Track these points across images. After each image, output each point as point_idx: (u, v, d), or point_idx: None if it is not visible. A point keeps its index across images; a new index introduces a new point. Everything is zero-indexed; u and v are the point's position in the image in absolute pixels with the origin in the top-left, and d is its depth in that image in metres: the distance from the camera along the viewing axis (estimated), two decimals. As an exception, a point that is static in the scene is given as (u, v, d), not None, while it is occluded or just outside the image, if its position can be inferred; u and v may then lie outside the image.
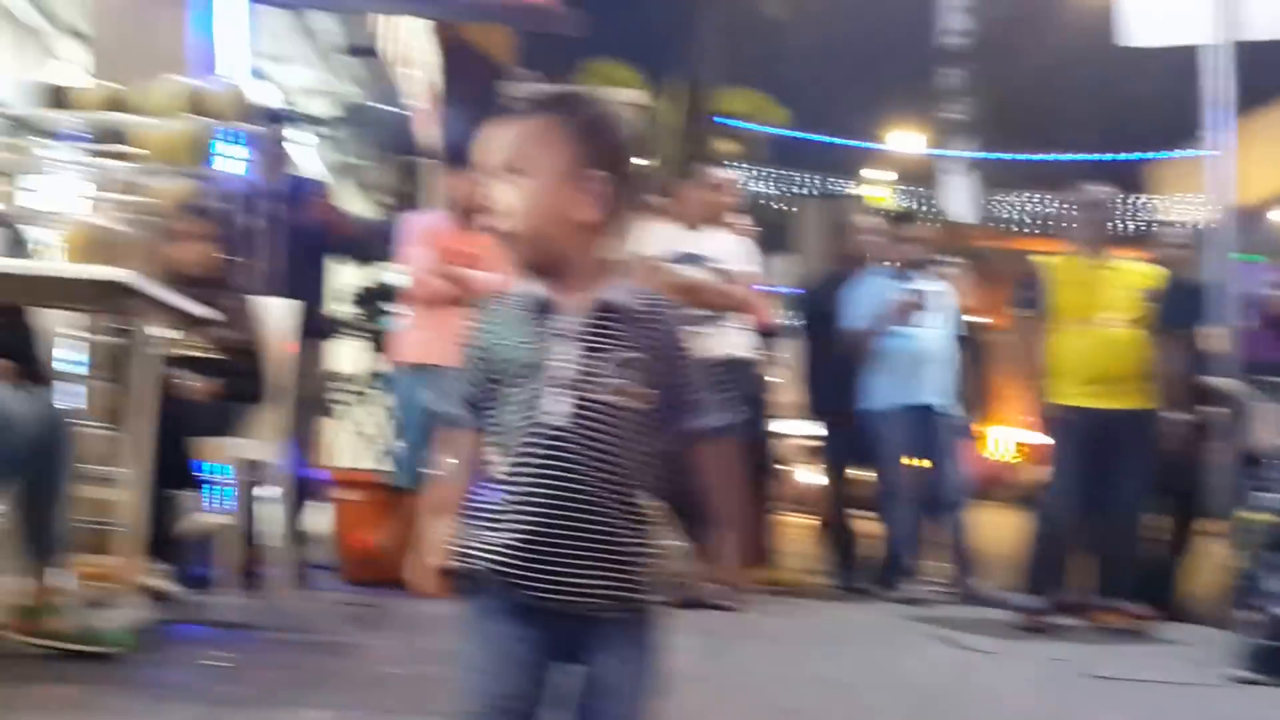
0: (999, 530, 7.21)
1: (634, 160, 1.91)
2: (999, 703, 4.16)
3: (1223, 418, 6.00)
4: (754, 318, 6.35)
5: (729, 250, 6.22)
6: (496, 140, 1.88)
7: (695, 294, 5.83)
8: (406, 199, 12.82)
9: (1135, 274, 6.01)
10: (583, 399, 1.82)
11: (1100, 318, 5.79)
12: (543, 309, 1.87)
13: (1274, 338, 5.99)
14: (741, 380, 5.92)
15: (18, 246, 3.94)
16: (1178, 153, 8.19)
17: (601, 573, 1.81)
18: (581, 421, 1.82)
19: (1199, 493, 5.87)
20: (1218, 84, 5.86)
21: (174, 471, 4.05)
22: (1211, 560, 5.82)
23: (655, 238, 5.78)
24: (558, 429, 1.82)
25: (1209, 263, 6.36)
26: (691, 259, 5.97)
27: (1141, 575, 5.92)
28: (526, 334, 1.86)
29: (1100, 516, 5.80)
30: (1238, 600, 4.64)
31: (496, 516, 1.84)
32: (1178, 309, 5.94)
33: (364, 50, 10.38)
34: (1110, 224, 6.13)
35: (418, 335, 5.86)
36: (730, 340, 6.00)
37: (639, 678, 1.86)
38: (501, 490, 1.84)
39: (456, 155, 6.38)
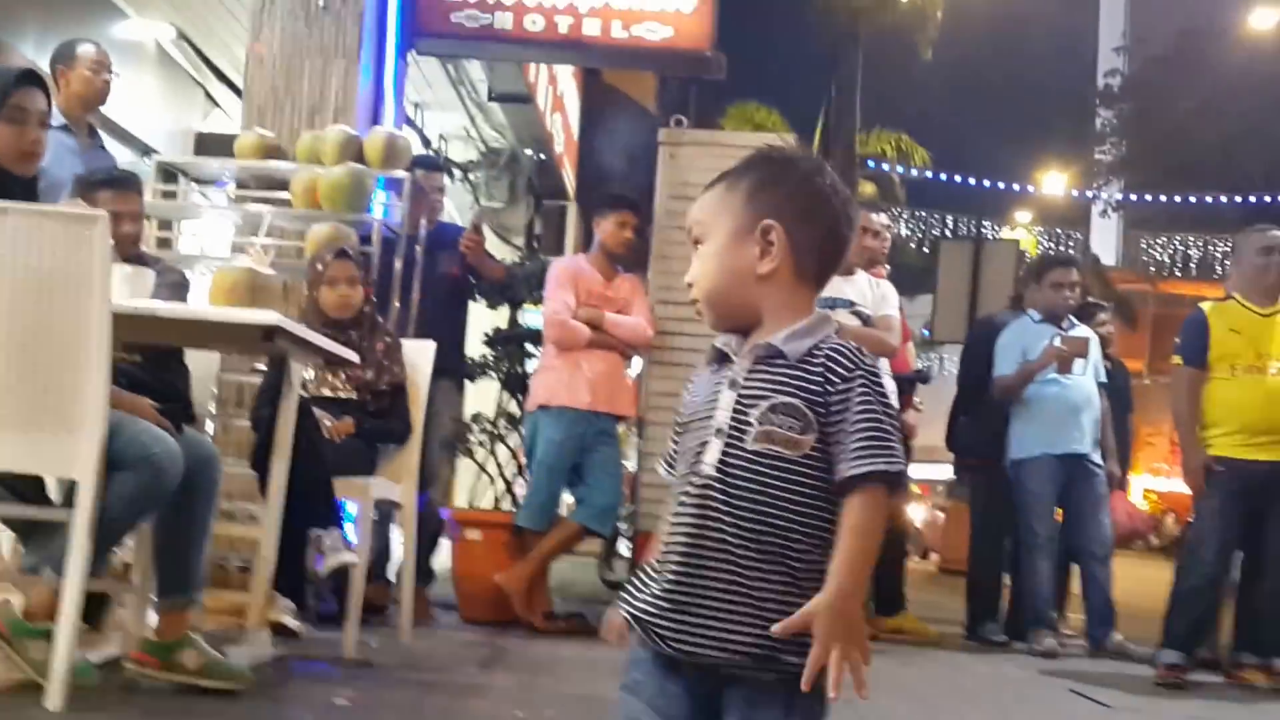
0: (1134, 582, 7.01)
1: (825, 205, 1.88)
2: None
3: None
4: (893, 362, 6.28)
5: (871, 294, 6.19)
6: (694, 211, 1.93)
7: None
8: (546, 243, 13.00)
9: None
10: (731, 447, 1.80)
11: (1268, 366, 5.59)
12: (721, 359, 1.89)
13: None
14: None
15: (178, 290, 4.08)
16: None
17: (742, 629, 1.76)
18: (729, 471, 1.79)
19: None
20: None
21: (311, 510, 4.13)
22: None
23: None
24: (706, 478, 1.81)
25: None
26: (835, 303, 5.93)
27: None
28: (704, 385, 1.89)
29: (1252, 570, 5.64)
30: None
31: (654, 567, 1.85)
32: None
33: (510, 96, 10.56)
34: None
35: (553, 378, 5.92)
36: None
37: None
38: (664, 542, 1.85)
39: (600, 199, 6.47)
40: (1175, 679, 5.45)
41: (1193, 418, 5.70)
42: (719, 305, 1.89)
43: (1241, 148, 27.00)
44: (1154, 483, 29.28)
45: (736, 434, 1.80)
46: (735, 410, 1.81)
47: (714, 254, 1.88)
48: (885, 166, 24.41)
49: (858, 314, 6.05)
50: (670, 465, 1.92)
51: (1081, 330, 6.70)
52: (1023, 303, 7.39)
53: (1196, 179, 28.02)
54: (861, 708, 3.90)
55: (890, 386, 5.95)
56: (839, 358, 1.80)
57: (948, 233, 30.19)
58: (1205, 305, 5.94)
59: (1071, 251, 26.40)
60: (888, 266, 6.89)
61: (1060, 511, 6.60)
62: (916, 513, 8.74)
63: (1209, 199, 28.13)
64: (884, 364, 6.04)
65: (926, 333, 15.48)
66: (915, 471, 9.23)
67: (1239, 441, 5.57)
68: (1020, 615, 6.62)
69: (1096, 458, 6.58)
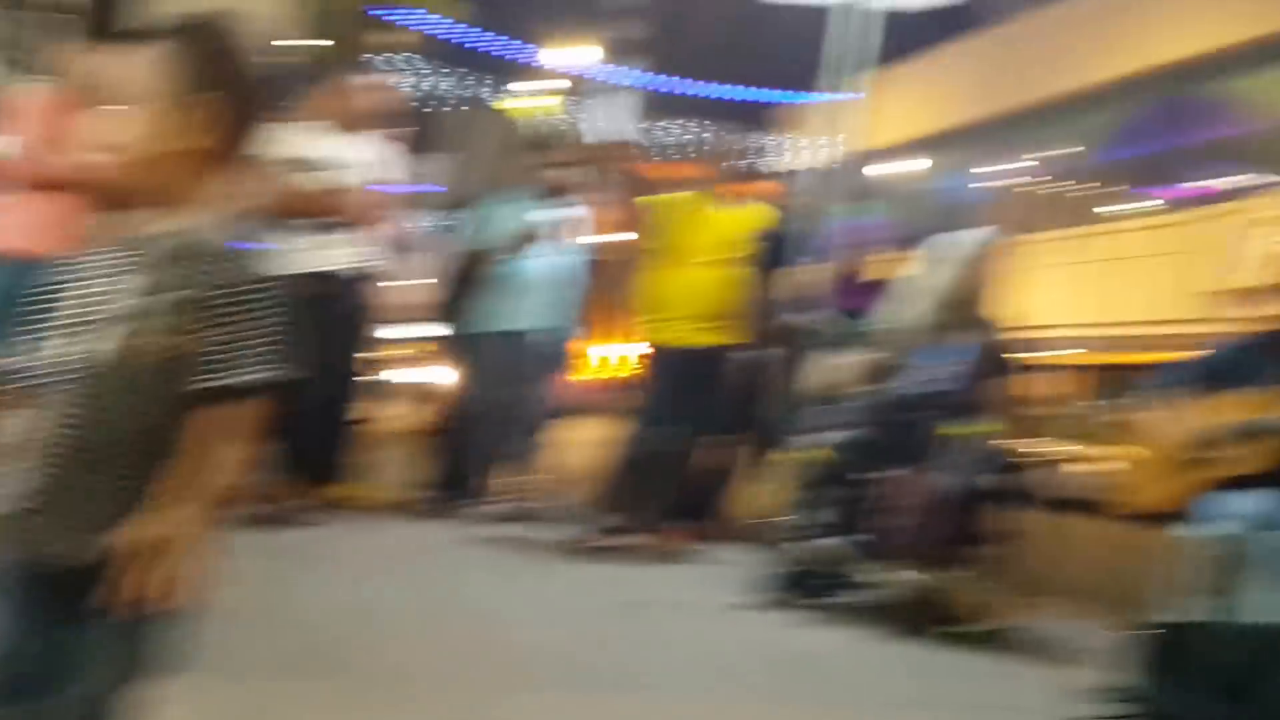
0: (583, 451, 7.46)
1: (258, 81, 1.86)
2: (545, 624, 4.36)
3: (797, 356, 6.45)
4: (374, 227, 6.27)
5: (365, 155, 6.10)
6: (107, 70, 1.83)
7: (308, 203, 5.74)
8: (42, 64, 11.94)
9: (744, 215, 6.18)
10: (105, 342, 1.70)
11: (701, 256, 6.00)
12: (100, 245, 1.78)
13: (856, 287, 6.45)
14: (342, 294, 5.90)
15: None
16: (816, 96, 8.64)
17: (89, 533, 1.69)
18: (102, 366, 1.70)
19: (766, 424, 6.36)
20: (850, 35, 6.23)
21: None
22: (768, 489, 6.19)
23: (285, 140, 5.52)
24: (78, 371, 1.71)
25: (819, 206, 6.78)
26: (316, 164, 5.84)
27: (704, 500, 6.35)
28: (74, 270, 1.77)
29: (675, 444, 6.04)
30: (781, 528, 4.99)
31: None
32: (780, 250, 6.30)
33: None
34: (733, 166, 6.28)
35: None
36: (336, 253, 5.94)
37: (116, 654, 1.74)
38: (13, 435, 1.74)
39: (98, 27, 5.99)
40: (602, 544, 5.84)
41: (637, 300, 6.11)
42: (132, 178, 1.79)
43: (757, 41, 28.47)
44: (623, 353, 30.71)
45: (114, 328, 1.71)
46: (116, 302, 1.72)
47: (136, 121, 1.78)
48: (417, 20, 24.00)
49: (341, 176, 5.97)
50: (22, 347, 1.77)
51: (554, 210, 6.85)
52: (525, 175, 7.51)
53: (712, 68, 29.34)
54: (279, 580, 3.91)
55: (369, 251, 6.03)
56: (230, 252, 1.75)
57: (472, 95, 30.15)
58: (661, 195, 6.32)
59: (580, 126, 27.07)
60: (414, 129, 6.84)
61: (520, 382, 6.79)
62: (419, 374, 8.75)
63: (720, 88, 29.57)
64: (364, 229, 6.05)
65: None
66: (422, 332, 9.24)
67: (670, 327, 5.99)
68: (470, 480, 6.79)
69: (554, 334, 6.85)
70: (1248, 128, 22.51)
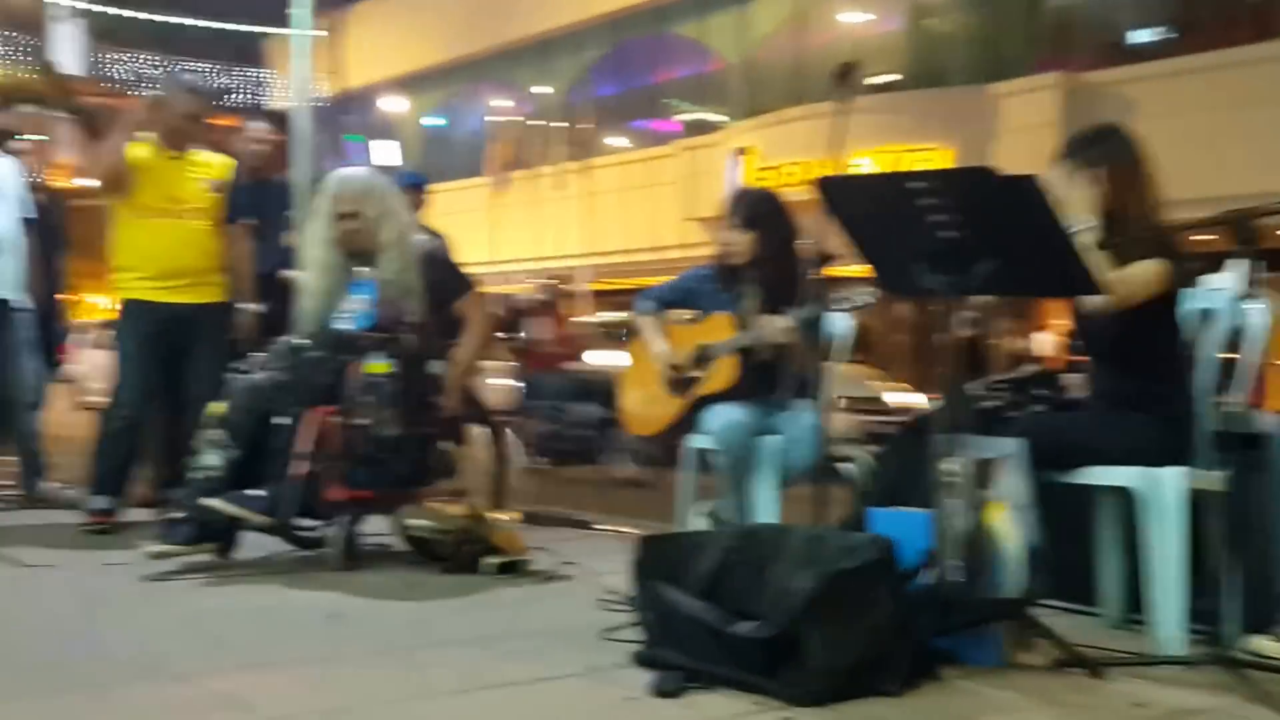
0: (75, 427, 6.88)
1: None
2: (50, 619, 3.88)
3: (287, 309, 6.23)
4: None
5: None
6: None
7: None
8: None
9: (210, 166, 5.79)
10: None
11: (171, 210, 5.60)
12: None
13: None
14: None
15: None
16: (289, 31, 8.15)
17: None
18: None
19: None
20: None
21: None
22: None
23: None
24: None
25: (306, 147, 6.49)
26: None
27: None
28: None
29: (173, 409, 5.66)
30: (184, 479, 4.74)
31: None
32: (253, 201, 6.00)
33: None
34: (196, 115, 5.72)
35: None
36: None
37: None
38: None
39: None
40: (102, 523, 5.42)
41: (112, 254, 5.65)
42: None
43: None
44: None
45: None
46: None
47: None
48: None
49: None
50: None
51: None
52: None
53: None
54: None
55: None
56: None
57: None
58: (130, 147, 5.76)
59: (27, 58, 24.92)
60: None
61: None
62: None
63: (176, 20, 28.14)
64: None
65: None
66: None
67: (145, 285, 5.58)
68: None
69: (18, 301, 6.32)
70: (705, 68, 24.16)
